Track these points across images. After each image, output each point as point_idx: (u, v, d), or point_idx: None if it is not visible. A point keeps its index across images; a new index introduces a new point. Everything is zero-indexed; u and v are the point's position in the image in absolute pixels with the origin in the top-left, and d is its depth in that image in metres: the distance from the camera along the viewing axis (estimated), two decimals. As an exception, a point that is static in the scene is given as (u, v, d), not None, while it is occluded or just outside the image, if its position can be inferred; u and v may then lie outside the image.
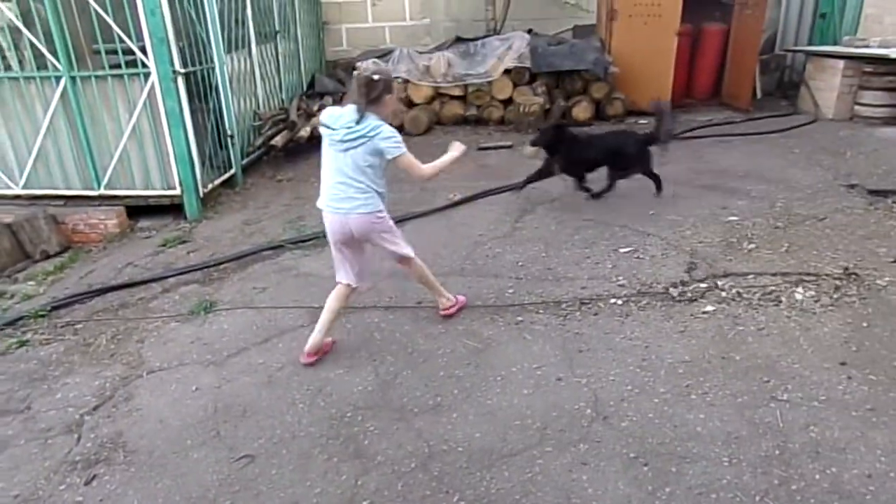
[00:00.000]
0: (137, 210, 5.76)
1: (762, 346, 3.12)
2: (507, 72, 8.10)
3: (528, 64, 8.05)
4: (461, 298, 3.76)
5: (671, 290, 3.72)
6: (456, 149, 3.36)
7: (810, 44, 8.94)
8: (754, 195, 5.14)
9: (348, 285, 3.32)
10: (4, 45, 5.40)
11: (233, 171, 6.40)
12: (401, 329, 3.55)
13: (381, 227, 3.25)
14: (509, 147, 7.20)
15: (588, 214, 4.98)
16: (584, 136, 5.43)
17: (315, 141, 7.40)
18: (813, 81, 7.89)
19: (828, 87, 7.58)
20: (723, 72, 9.02)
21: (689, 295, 3.65)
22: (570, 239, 4.57)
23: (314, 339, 3.31)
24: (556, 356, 3.18)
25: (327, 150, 3.13)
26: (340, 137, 3.03)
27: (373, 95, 3.01)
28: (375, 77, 3.01)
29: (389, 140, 3.03)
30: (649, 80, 8.21)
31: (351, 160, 3.05)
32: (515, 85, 8.15)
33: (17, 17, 5.25)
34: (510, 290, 3.88)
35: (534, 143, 5.22)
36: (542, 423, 2.71)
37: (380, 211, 3.21)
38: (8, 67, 5.45)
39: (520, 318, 3.56)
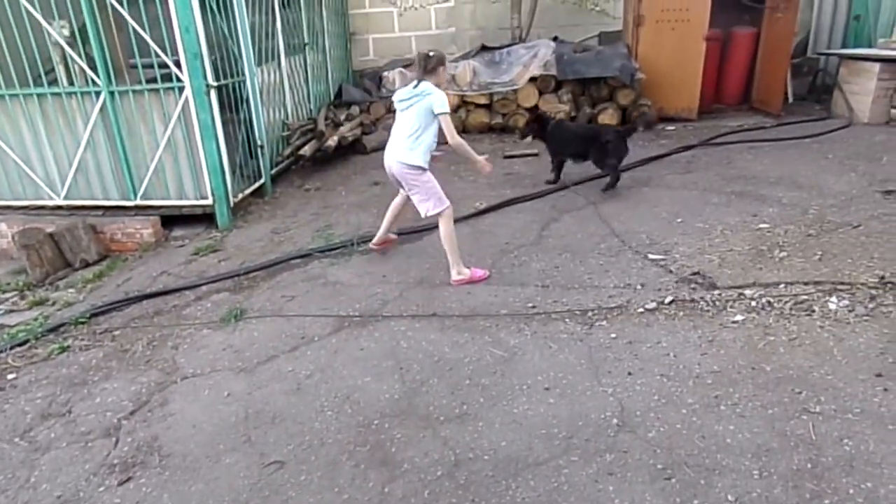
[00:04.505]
0: (171, 219, 5.92)
1: (794, 356, 3.07)
2: (532, 80, 8.10)
3: (553, 71, 8.04)
4: (479, 274, 4.24)
5: (699, 299, 3.69)
6: (485, 163, 4.28)
7: (844, 47, 8.76)
8: (786, 202, 5.06)
9: (426, 214, 4.21)
10: (56, 59, 5.62)
11: (262, 181, 6.53)
12: (427, 337, 3.58)
13: (412, 178, 4.09)
14: (535, 155, 7.19)
15: (615, 223, 4.95)
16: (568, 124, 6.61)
17: (343, 150, 7.54)
18: (847, 85, 7.73)
19: (863, 90, 7.41)
20: (753, 76, 8.87)
21: (718, 304, 3.61)
22: (596, 247, 4.56)
23: (379, 234, 4.63)
24: (582, 365, 3.18)
25: (397, 116, 4.12)
26: (402, 98, 4.03)
27: (429, 66, 3.97)
28: (431, 53, 4.01)
29: (438, 99, 3.91)
30: (677, 85, 8.14)
31: (409, 116, 4.00)
32: (541, 93, 8.15)
33: (74, 35, 5.46)
34: (537, 299, 3.89)
35: (523, 136, 6.22)
36: (568, 433, 2.71)
37: (420, 166, 4.04)
38: (53, 82, 5.67)
39: (546, 327, 3.57)
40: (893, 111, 7.18)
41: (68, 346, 3.95)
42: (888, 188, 5.14)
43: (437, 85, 4.00)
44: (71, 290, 5.01)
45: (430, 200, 4.09)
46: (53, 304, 4.77)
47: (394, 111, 4.22)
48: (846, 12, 8.86)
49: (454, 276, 4.17)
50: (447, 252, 4.16)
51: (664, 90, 8.16)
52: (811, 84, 9.18)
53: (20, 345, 4.02)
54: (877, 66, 7.16)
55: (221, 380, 3.41)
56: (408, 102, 4.00)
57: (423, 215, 4.19)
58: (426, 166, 4.08)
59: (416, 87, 3.96)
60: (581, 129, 6.49)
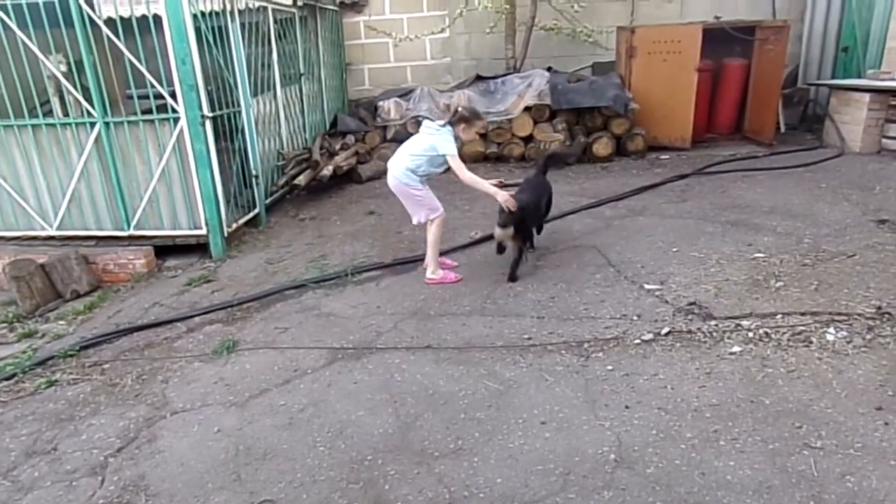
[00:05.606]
0: (165, 249, 5.89)
1: (793, 389, 3.03)
2: (527, 109, 8.19)
3: (548, 101, 8.13)
4: (451, 276, 4.64)
5: (696, 330, 3.65)
6: (501, 193, 4.32)
7: (833, 78, 8.89)
8: (780, 231, 5.06)
9: (418, 222, 4.61)
10: (51, 91, 5.65)
11: (257, 211, 6.52)
12: (421, 370, 3.53)
13: (407, 193, 4.47)
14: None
15: (610, 252, 4.94)
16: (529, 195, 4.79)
17: (338, 180, 7.55)
18: (838, 115, 7.82)
19: (853, 120, 7.50)
20: (745, 106, 8.98)
21: (715, 335, 3.58)
22: (591, 277, 4.53)
23: (429, 271, 4.67)
24: (579, 398, 3.13)
25: (413, 136, 4.53)
26: (426, 125, 4.45)
27: (452, 119, 4.41)
28: (458, 108, 4.50)
29: (441, 142, 4.28)
30: (670, 115, 8.23)
31: (419, 140, 4.41)
32: (536, 122, 8.23)
33: (71, 68, 5.50)
34: (532, 330, 3.84)
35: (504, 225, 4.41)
36: (565, 469, 2.66)
37: (413, 184, 4.42)
38: (48, 113, 5.68)
39: (542, 359, 3.52)
40: (884, 140, 7.26)
41: (56, 380, 3.88)
42: (882, 217, 5.16)
43: (457, 138, 4.38)
44: (61, 322, 4.94)
45: (422, 210, 4.53)
46: (43, 336, 4.70)
47: (389, 140, 4.33)
48: (835, 44, 9.02)
49: (428, 275, 4.64)
50: (427, 250, 4.60)
51: (657, 119, 8.25)
52: (802, 114, 9.30)
53: (7, 379, 3.94)
54: (867, 97, 7.26)
55: (212, 414, 3.34)
56: (426, 130, 4.41)
57: (414, 222, 4.62)
58: (420, 186, 4.47)
59: (440, 124, 4.40)
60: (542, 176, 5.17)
